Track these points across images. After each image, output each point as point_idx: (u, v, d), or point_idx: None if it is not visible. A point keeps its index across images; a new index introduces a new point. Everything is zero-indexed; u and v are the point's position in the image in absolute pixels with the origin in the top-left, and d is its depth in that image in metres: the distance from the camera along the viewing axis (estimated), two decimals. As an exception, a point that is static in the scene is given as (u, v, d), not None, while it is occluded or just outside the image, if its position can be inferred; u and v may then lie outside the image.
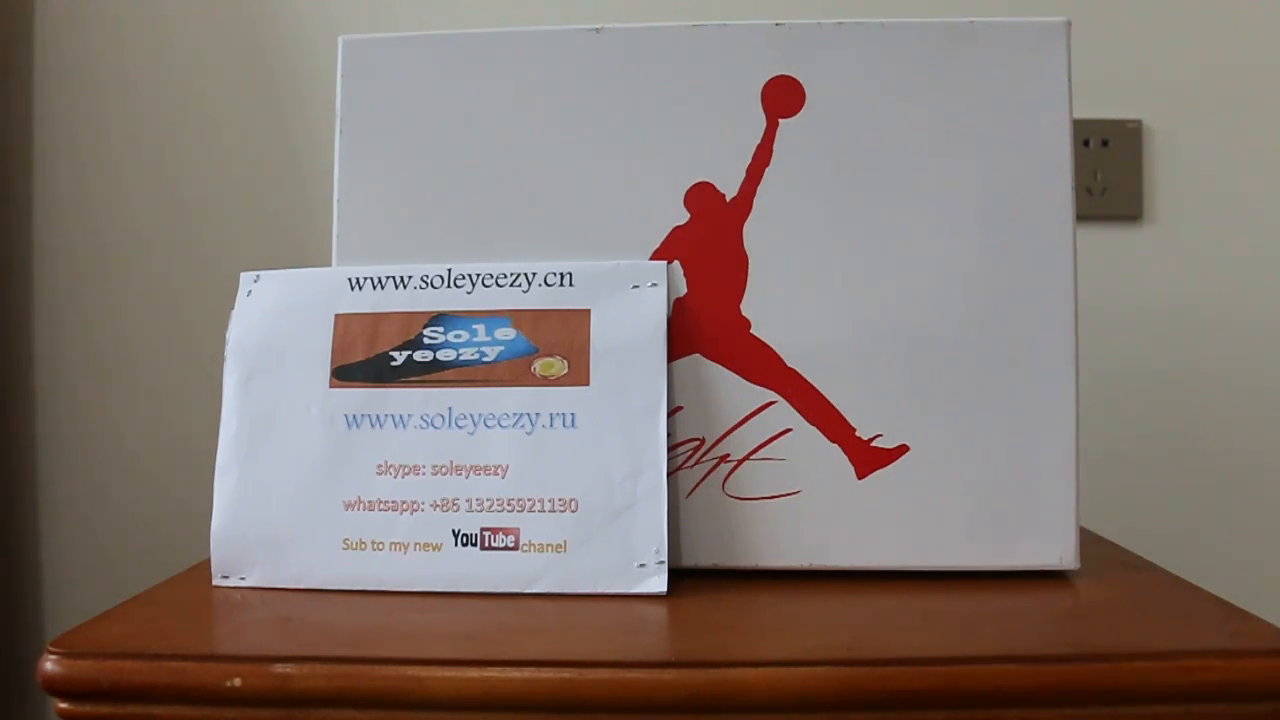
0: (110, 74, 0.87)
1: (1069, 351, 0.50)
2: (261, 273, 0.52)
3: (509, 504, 0.48)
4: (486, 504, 0.48)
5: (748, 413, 0.50)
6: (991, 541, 0.50)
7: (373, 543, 0.48)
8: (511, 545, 0.48)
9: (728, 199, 0.51)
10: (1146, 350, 0.86)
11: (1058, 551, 0.49)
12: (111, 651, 0.40)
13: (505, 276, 0.51)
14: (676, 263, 0.51)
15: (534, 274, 0.50)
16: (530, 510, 0.48)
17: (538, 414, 0.49)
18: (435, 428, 0.49)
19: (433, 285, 0.51)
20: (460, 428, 0.49)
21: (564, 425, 0.49)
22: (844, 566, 0.50)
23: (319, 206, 0.86)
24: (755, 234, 0.50)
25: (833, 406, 0.50)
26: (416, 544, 0.48)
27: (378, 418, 0.49)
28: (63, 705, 0.40)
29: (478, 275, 0.51)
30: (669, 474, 0.49)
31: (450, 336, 0.50)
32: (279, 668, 0.39)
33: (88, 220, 0.88)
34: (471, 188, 0.52)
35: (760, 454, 0.50)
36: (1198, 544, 0.85)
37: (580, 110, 0.51)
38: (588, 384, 0.49)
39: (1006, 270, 0.50)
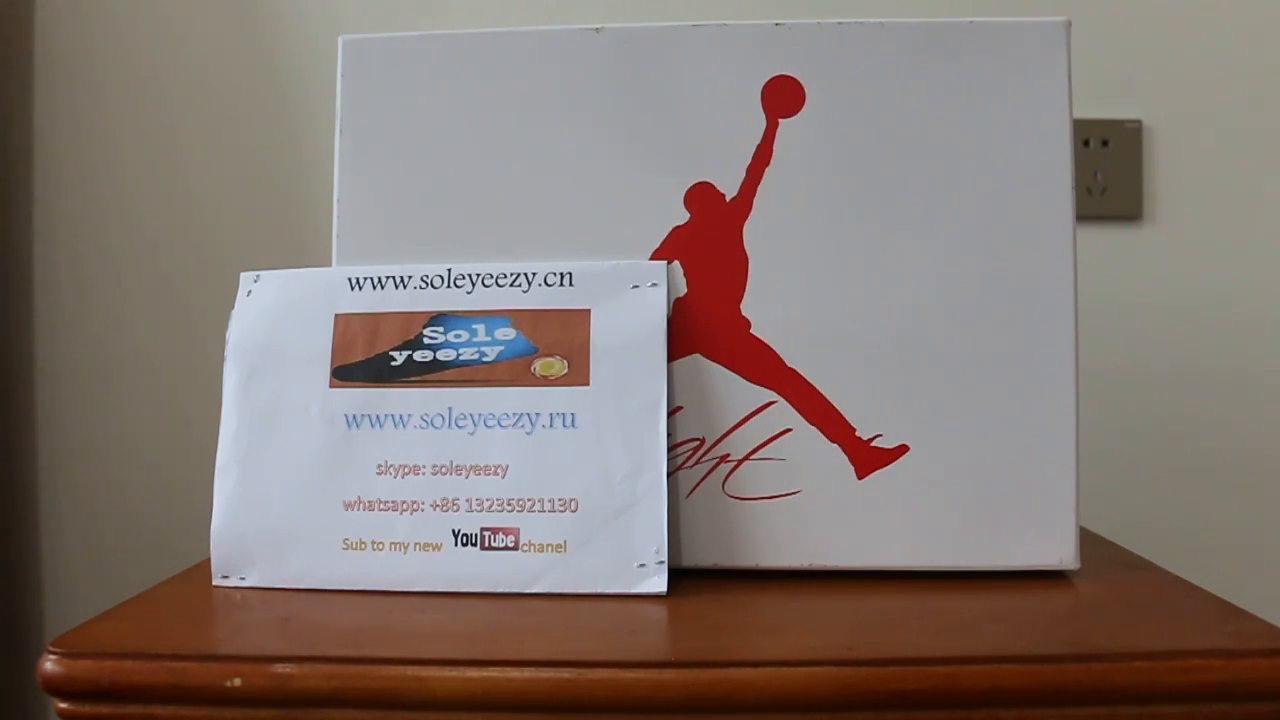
0: (112, 71, 0.87)
1: (1069, 351, 0.50)
2: (261, 272, 0.52)
3: (509, 504, 0.48)
4: (486, 504, 0.48)
5: (748, 413, 0.50)
6: (992, 541, 0.50)
7: (373, 543, 0.48)
8: (511, 545, 0.48)
9: (728, 199, 0.51)
10: (1146, 350, 0.86)
11: (1058, 551, 0.49)
12: (111, 651, 0.40)
13: (505, 276, 0.51)
14: (676, 263, 0.51)
15: (534, 274, 0.50)
16: (530, 510, 0.48)
17: (538, 414, 0.49)
18: (435, 428, 0.49)
19: (433, 285, 0.51)
20: (460, 428, 0.49)
21: (564, 425, 0.49)
22: (844, 566, 0.50)
23: (320, 206, 0.86)
24: (755, 234, 0.50)
25: (833, 406, 0.50)
26: (416, 544, 0.48)
27: (378, 418, 0.49)
28: (63, 705, 0.40)
29: (478, 275, 0.51)
30: (669, 474, 0.49)
31: (450, 336, 0.50)
32: (279, 668, 0.39)
33: (90, 218, 0.88)
34: (471, 188, 0.52)
35: (760, 454, 0.50)
36: (1198, 544, 0.85)
37: (580, 110, 0.51)
38: (587, 384, 0.49)
39: (1006, 270, 0.50)
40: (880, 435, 0.50)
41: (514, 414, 0.49)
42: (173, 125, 0.87)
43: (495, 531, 0.48)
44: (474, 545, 0.48)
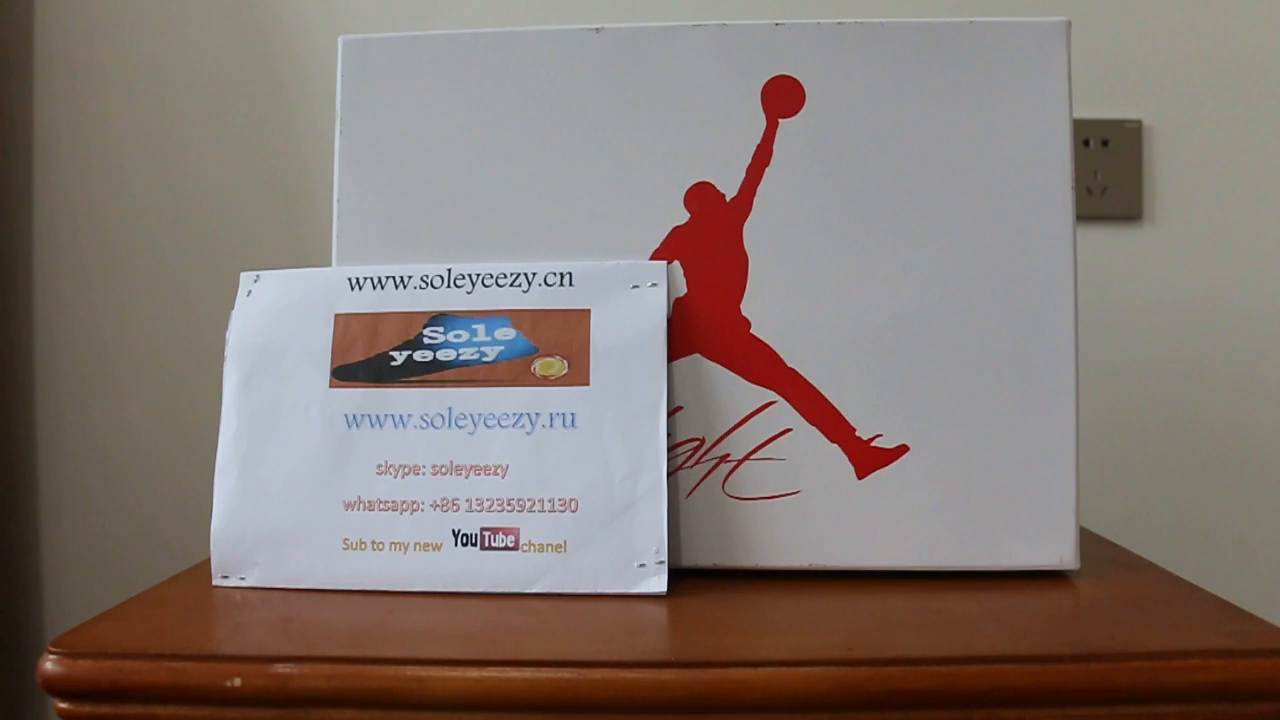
0: (112, 71, 0.87)
1: (1069, 351, 0.50)
2: (261, 272, 0.52)
3: (509, 504, 0.48)
4: (486, 504, 0.48)
5: (748, 413, 0.50)
6: (992, 541, 0.50)
7: (373, 543, 0.48)
8: (511, 545, 0.48)
9: (728, 199, 0.51)
10: (1146, 350, 0.86)
11: (1058, 551, 0.49)
12: (111, 651, 0.40)
13: (505, 276, 0.51)
14: (676, 263, 0.51)
15: (534, 274, 0.50)
16: (530, 510, 0.48)
17: (538, 414, 0.49)
18: (435, 428, 0.49)
19: (433, 285, 0.51)
20: (460, 428, 0.49)
21: (564, 425, 0.49)
22: (844, 566, 0.50)
23: (320, 206, 0.86)
24: (755, 234, 0.50)
25: (833, 406, 0.50)
26: (416, 544, 0.48)
27: (378, 418, 0.49)
28: (63, 705, 0.40)
29: (478, 275, 0.51)
30: (669, 474, 0.49)
31: (450, 336, 0.50)
32: (279, 668, 0.39)
33: (90, 218, 0.88)
34: (471, 188, 0.52)
35: (760, 454, 0.50)
36: (1198, 544, 0.85)
37: (580, 110, 0.51)
38: (588, 384, 0.49)
39: (1006, 270, 0.50)
40: (880, 435, 0.50)
41: (514, 414, 0.49)
42: (173, 125, 0.87)
43: (495, 531, 0.48)
44: (474, 545, 0.48)
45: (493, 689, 0.38)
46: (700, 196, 0.51)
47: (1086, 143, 0.85)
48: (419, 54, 0.52)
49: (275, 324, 0.51)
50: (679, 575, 0.49)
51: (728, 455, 0.50)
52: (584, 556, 0.47)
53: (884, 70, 0.50)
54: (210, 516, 0.49)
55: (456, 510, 0.48)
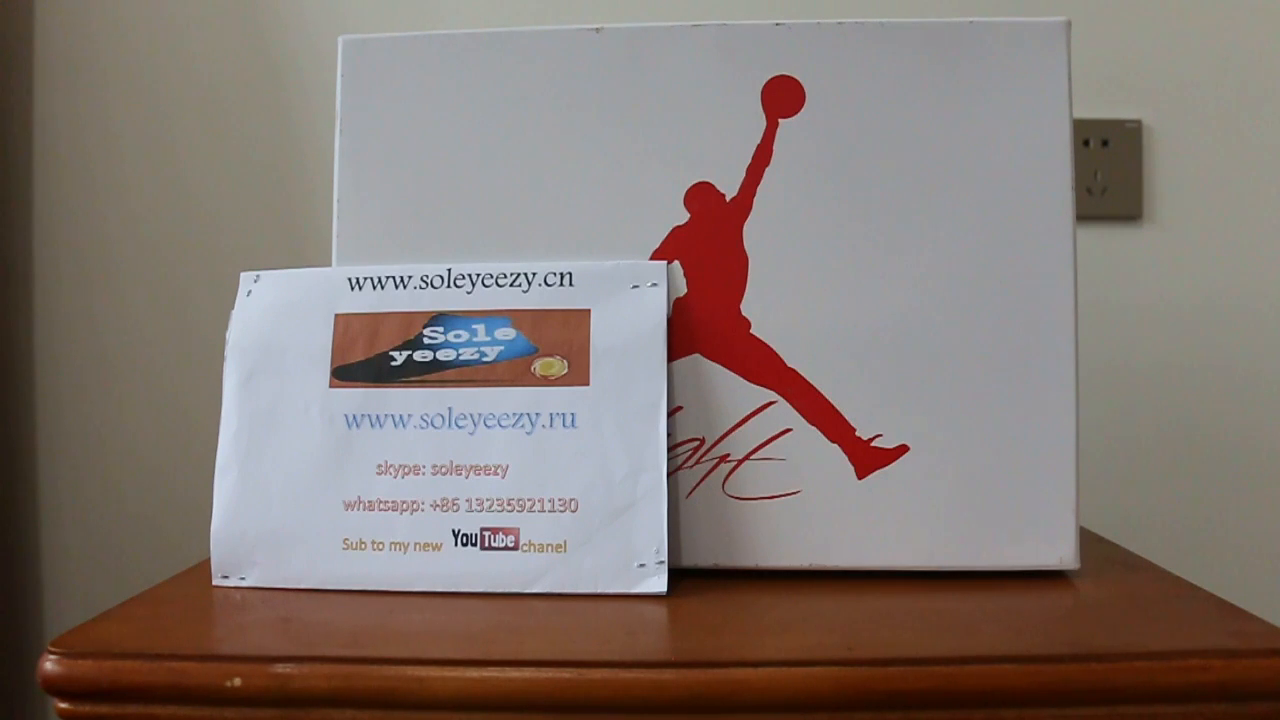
0: (112, 71, 0.87)
1: (1069, 352, 0.50)
2: (262, 272, 0.52)
3: (509, 504, 0.48)
4: (486, 504, 0.48)
5: (748, 413, 0.50)
6: (991, 541, 0.50)
7: (373, 543, 0.48)
8: (511, 545, 0.48)
9: (728, 199, 0.51)
10: (1146, 351, 0.86)
11: (1058, 551, 0.49)
12: (111, 651, 0.40)
13: (505, 276, 0.51)
14: (676, 263, 0.51)
15: (534, 274, 0.50)
16: (530, 510, 0.48)
17: (538, 414, 0.49)
18: (435, 428, 0.49)
19: (433, 285, 0.51)
20: (460, 428, 0.49)
21: (564, 425, 0.49)
22: (844, 566, 0.50)
23: (320, 206, 0.86)
24: (755, 234, 0.50)
25: (832, 406, 0.50)
26: (416, 544, 0.48)
27: (378, 417, 0.49)
28: (63, 705, 0.40)
29: (478, 275, 0.51)
30: (669, 474, 0.49)
31: (450, 336, 0.50)
32: (279, 668, 0.39)
33: (90, 218, 0.88)
34: (471, 188, 0.52)
35: (760, 454, 0.50)
36: (1198, 544, 0.85)
37: (580, 110, 0.51)
38: (588, 384, 0.49)
39: (1006, 270, 0.50)
40: (880, 435, 0.50)
41: (514, 414, 0.49)
42: (173, 125, 0.87)
43: (495, 531, 0.48)
44: (474, 545, 0.48)
45: (493, 689, 0.38)
46: (700, 196, 0.51)
47: (1086, 143, 0.85)
48: (419, 54, 0.52)
49: (275, 324, 0.51)
50: (679, 575, 0.49)
51: (728, 455, 0.50)
52: (584, 556, 0.47)
53: (884, 70, 0.50)
54: (210, 516, 0.49)
55: (456, 510, 0.48)
